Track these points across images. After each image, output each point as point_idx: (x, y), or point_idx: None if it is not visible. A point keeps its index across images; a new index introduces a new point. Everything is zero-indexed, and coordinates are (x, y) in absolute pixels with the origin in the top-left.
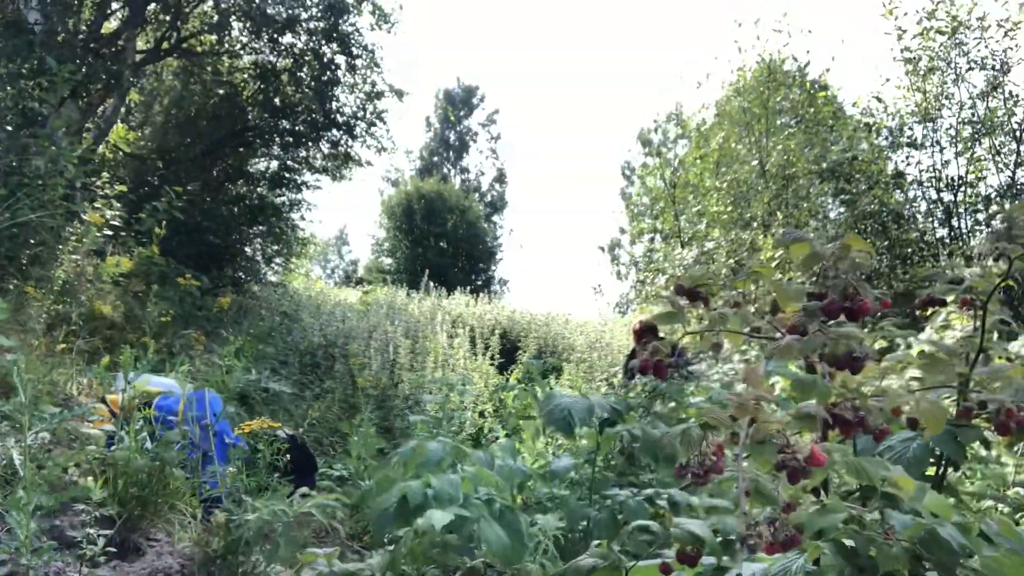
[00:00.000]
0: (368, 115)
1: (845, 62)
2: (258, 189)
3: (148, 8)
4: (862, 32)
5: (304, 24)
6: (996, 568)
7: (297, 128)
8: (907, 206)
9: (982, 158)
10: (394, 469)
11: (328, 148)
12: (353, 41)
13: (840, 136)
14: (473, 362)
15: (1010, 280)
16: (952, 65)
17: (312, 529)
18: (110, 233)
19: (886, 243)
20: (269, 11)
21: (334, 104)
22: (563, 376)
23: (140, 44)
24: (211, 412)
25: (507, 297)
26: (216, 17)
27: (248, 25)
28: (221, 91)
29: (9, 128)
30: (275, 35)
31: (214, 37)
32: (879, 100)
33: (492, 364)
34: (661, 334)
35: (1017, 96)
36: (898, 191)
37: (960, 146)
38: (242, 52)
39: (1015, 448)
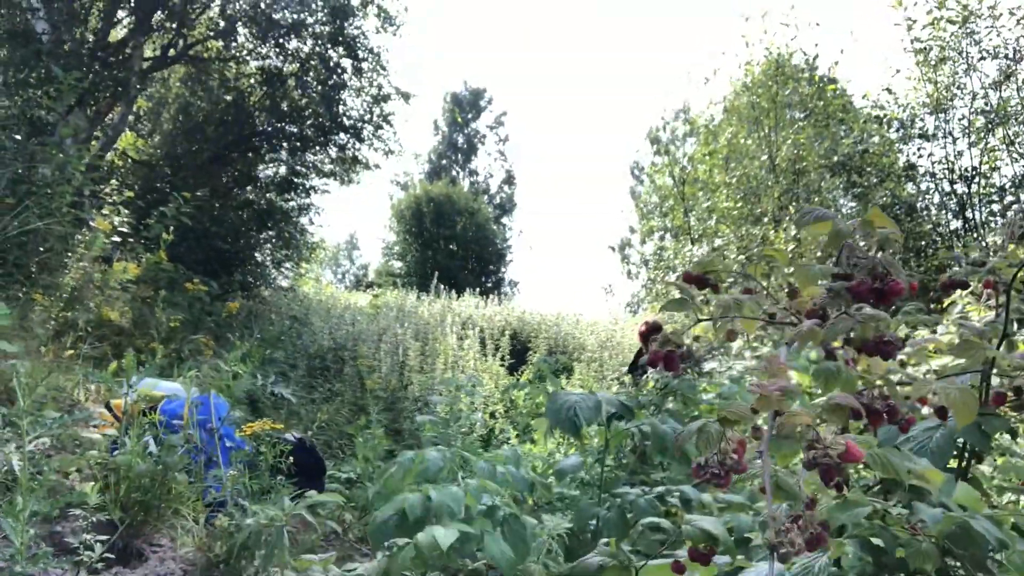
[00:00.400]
0: (375, 118)
1: (854, 55)
2: (266, 194)
3: (155, 16)
4: (871, 24)
5: (310, 28)
6: None
7: (304, 132)
8: (920, 198)
9: (996, 148)
10: (390, 481)
11: (336, 152)
12: (359, 44)
13: (851, 129)
14: (483, 363)
15: None
16: (963, 55)
17: (321, 533)
18: (118, 239)
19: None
20: (275, 16)
21: (341, 108)
22: (574, 375)
23: (147, 52)
24: (216, 416)
25: (517, 299)
26: (222, 23)
27: (254, 31)
28: (228, 97)
29: (17, 136)
30: (281, 40)
31: (220, 43)
32: (890, 92)
33: (502, 365)
34: (669, 331)
35: None
36: (910, 183)
37: (973, 136)
38: (248, 58)
39: None
